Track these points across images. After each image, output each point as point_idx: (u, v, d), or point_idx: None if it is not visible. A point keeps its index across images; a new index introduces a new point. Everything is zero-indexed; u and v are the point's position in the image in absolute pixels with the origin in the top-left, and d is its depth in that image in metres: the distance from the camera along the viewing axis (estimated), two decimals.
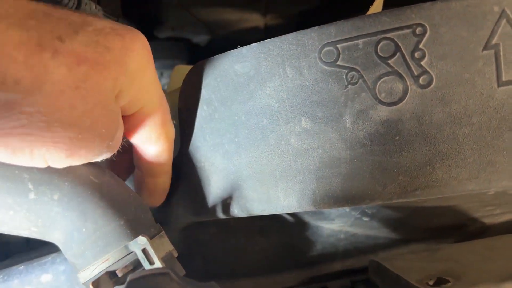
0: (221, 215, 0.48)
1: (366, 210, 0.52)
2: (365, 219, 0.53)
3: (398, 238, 0.58)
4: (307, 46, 0.42)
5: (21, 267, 0.50)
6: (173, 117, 0.61)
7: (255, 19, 0.96)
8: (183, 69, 0.69)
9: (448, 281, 0.43)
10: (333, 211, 0.51)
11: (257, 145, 0.45)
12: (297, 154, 0.43)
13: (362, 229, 0.57)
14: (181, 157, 0.51)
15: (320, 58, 0.41)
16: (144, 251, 0.41)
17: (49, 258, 0.50)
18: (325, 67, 0.41)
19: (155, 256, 0.41)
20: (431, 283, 0.44)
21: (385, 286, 0.50)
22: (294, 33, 0.42)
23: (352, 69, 0.41)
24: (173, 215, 0.52)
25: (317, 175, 0.43)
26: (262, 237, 0.56)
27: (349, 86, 0.41)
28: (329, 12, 0.93)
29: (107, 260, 0.41)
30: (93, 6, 0.54)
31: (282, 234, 0.56)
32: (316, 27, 0.41)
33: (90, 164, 0.45)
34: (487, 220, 0.56)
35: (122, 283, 0.41)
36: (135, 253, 0.42)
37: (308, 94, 0.42)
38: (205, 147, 0.49)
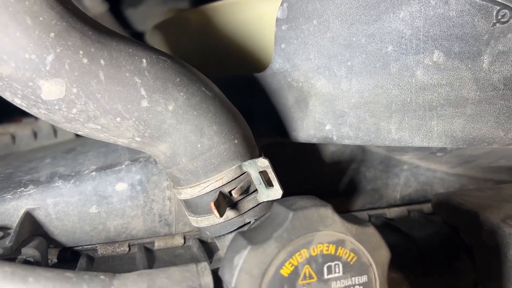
0: (314, 139, 0.47)
1: (447, 147, 0.52)
2: (439, 154, 0.54)
3: (456, 173, 0.60)
4: None
5: (93, 173, 0.46)
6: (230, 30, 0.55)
7: None
8: None
9: None
10: None
11: (374, 73, 0.42)
12: (420, 89, 0.41)
13: (427, 162, 0.58)
14: (271, 72, 0.47)
15: None
16: (261, 172, 0.39)
17: (122, 166, 0.47)
18: None
19: (276, 178, 0.39)
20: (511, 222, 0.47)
21: (452, 219, 0.52)
22: None
23: (505, 6, 0.38)
24: (255, 133, 0.49)
25: (438, 113, 0.41)
26: (332, 162, 0.55)
27: (497, 24, 0.38)
28: None
29: (220, 179, 0.39)
30: None
31: (352, 161, 0.55)
32: None
33: (199, 74, 0.41)
34: None
35: (235, 205, 0.39)
36: (247, 174, 0.40)
37: (448, 26, 0.39)
38: (307, 67, 0.45)
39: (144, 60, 0.37)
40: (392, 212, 0.57)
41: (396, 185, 0.58)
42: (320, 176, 0.55)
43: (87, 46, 0.35)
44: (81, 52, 0.34)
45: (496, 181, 0.61)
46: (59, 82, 0.34)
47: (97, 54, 0.35)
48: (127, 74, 0.36)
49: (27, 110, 0.37)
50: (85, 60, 0.34)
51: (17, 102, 0.35)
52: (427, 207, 0.58)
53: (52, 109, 0.35)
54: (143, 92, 0.36)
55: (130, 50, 0.37)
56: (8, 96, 0.35)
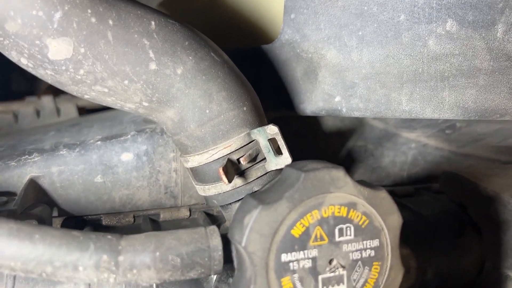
0: (323, 112, 0.46)
1: (457, 124, 0.51)
2: (448, 131, 0.53)
3: (463, 153, 0.59)
4: None
5: (98, 142, 0.46)
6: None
7: None
8: None
9: None
10: (424, 120, 0.50)
11: (385, 43, 0.42)
12: (432, 58, 0.41)
13: (435, 141, 0.57)
14: (280, 43, 0.46)
15: None
16: (270, 140, 0.38)
17: (128, 136, 0.46)
18: None
19: (285, 146, 0.38)
20: None
21: (460, 196, 0.51)
22: None
23: None
24: (262, 106, 0.48)
25: (450, 83, 0.41)
26: (339, 139, 0.55)
27: None
28: None
29: (229, 146, 0.38)
30: None
31: (360, 137, 0.55)
32: None
33: (208, 40, 0.40)
34: None
35: (243, 173, 0.39)
36: (256, 142, 0.39)
37: None
38: (317, 37, 0.44)
39: (153, 22, 0.36)
40: (400, 190, 0.56)
41: (403, 164, 0.57)
42: (326, 153, 0.54)
43: (96, 5, 0.34)
44: (89, 10, 0.34)
45: (504, 162, 0.60)
46: (66, 41, 0.33)
47: (106, 14, 0.34)
48: (136, 35, 0.35)
49: (33, 72, 0.36)
50: (93, 19, 0.34)
51: (24, 62, 0.35)
52: (434, 186, 0.57)
53: (59, 69, 0.35)
54: (151, 55, 0.36)
55: (139, 12, 0.36)
56: (14, 56, 0.35)
